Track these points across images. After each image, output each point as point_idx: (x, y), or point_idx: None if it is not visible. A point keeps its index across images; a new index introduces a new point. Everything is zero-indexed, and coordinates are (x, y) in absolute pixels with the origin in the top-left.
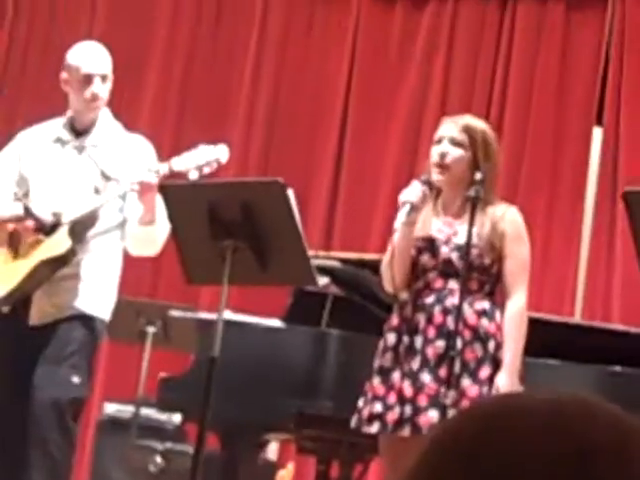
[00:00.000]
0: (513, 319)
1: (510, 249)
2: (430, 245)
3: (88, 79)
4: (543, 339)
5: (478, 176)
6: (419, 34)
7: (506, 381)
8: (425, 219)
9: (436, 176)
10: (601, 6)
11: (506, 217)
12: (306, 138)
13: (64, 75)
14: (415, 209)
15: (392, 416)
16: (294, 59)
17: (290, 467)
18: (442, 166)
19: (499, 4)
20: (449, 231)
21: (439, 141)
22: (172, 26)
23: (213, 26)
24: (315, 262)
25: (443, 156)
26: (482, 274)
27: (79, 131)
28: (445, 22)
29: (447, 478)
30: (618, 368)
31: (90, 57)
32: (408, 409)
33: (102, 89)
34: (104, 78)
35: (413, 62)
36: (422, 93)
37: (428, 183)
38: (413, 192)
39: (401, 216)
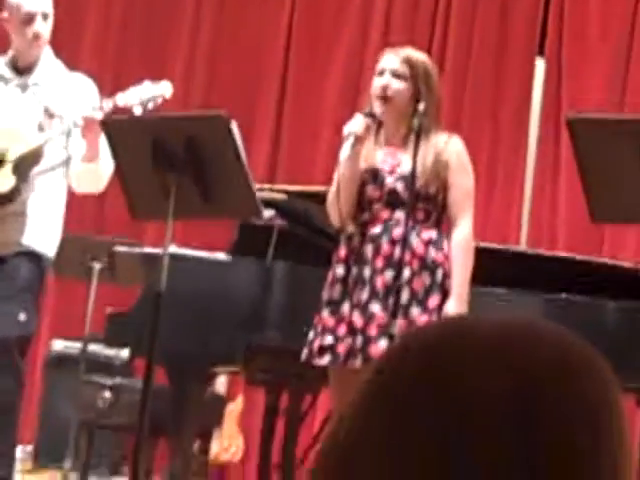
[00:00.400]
0: (460, 247)
1: (454, 178)
2: (374, 176)
3: (30, 17)
4: (489, 267)
5: (421, 106)
6: None
7: (455, 308)
8: (368, 151)
9: (378, 108)
10: None
11: (449, 147)
12: (249, 72)
13: (4, 14)
14: (359, 141)
15: (343, 347)
16: None
17: (239, 400)
18: (384, 98)
19: None
20: (393, 161)
21: (381, 73)
22: None
23: None
24: (260, 195)
25: (385, 88)
26: (428, 203)
27: (21, 69)
28: None
29: (393, 400)
30: (563, 295)
31: None
32: (359, 340)
33: (44, 27)
34: (45, 16)
35: None
36: (364, 25)
37: (371, 115)
38: (357, 124)
39: (345, 148)
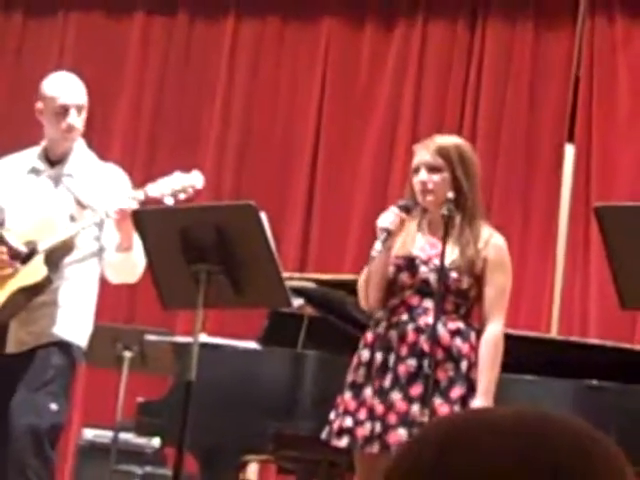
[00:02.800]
0: (489, 345)
1: (491, 275)
2: (410, 264)
3: (64, 110)
4: (520, 355)
5: (450, 195)
6: (389, 55)
7: (481, 406)
8: (408, 237)
9: (424, 203)
10: (570, 23)
11: (491, 242)
12: (279, 162)
13: (39, 105)
14: (391, 235)
15: (362, 432)
16: (265, 83)
17: None
18: (426, 192)
19: (468, 23)
20: (431, 252)
21: (416, 170)
22: (142, 55)
23: (184, 53)
24: (290, 284)
25: (424, 184)
26: (458, 297)
27: (54, 161)
28: (415, 42)
29: None
30: (595, 382)
31: (66, 88)
32: (378, 426)
33: (78, 120)
34: (80, 109)
35: (384, 83)
36: (393, 115)
37: (405, 209)
38: (390, 219)
39: (378, 244)
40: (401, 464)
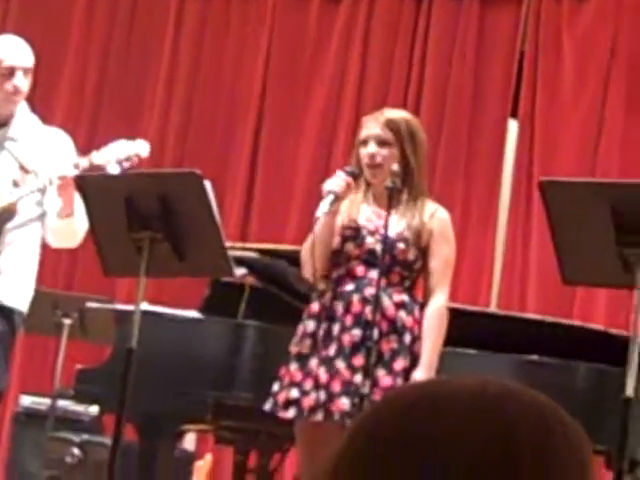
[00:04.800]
0: (433, 317)
1: (436, 247)
2: (355, 234)
3: (11, 72)
4: (460, 328)
5: (395, 167)
6: (334, 29)
7: (423, 377)
8: (354, 206)
9: (370, 177)
10: (516, 1)
11: (436, 215)
12: (222, 130)
13: None
14: (338, 199)
15: (308, 402)
16: (210, 52)
17: (208, 458)
18: (374, 166)
19: None
20: (378, 222)
21: (365, 142)
22: (87, 20)
23: (128, 19)
24: (232, 253)
25: (373, 157)
26: (404, 269)
27: None
28: (361, 15)
29: (370, 465)
30: (534, 357)
31: (14, 50)
32: (322, 395)
33: (24, 82)
34: (26, 72)
35: (329, 57)
36: (338, 88)
37: (352, 174)
38: (337, 182)
39: (324, 205)
40: (356, 439)
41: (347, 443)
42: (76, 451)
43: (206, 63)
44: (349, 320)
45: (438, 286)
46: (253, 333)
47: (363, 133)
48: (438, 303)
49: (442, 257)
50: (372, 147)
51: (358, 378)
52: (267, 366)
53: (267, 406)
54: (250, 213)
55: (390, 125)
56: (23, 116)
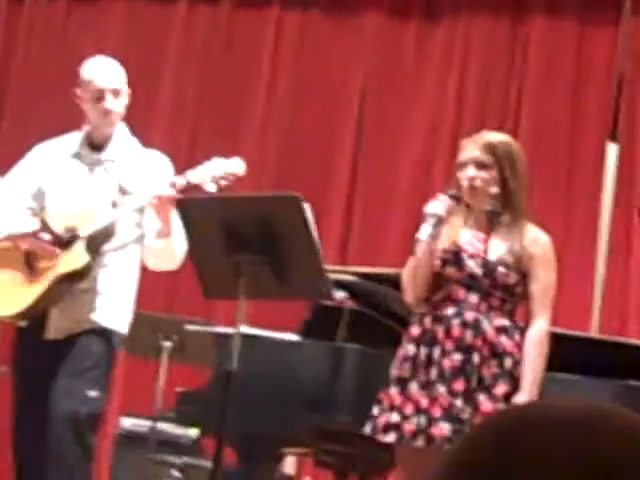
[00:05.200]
0: (534, 342)
1: (537, 272)
2: (456, 257)
3: (100, 94)
4: (559, 354)
5: (494, 190)
6: (433, 50)
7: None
8: (454, 230)
9: (469, 200)
10: (614, 20)
11: (536, 239)
12: (321, 152)
13: (78, 90)
14: (440, 222)
15: (409, 427)
16: (308, 75)
17: None
18: (472, 189)
19: (512, 20)
20: (479, 246)
21: (463, 165)
22: (185, 42)
23: (226, 41)
24: (331, 276)
25: (471, 180)
26: (505, 293)
27: (96, 146)
28: (459, 38)
29: None
30: (634, 382)
31: (102, 72)
32: (423, 420)
33: (115, 104)
34: (116, 93)
35: (427, 79)
36: (437, 110)
37: (455, 197)
38: (439, 205)
39: (425, 228)
40: (458, 461)
41: (445, 469)
42: (176, 474)
43: (305, 84)
44: (449, 344)
45: (539, 311)
46: (352, 356)
47: (462, 156)
48: (539, 328)
49: (543, 281)
50: (471, 170)
51: (459, 403)
52: (366, 389)
53: (367, 429)
54: (349, 236)
55: (488, 148)
56: (122, 138)
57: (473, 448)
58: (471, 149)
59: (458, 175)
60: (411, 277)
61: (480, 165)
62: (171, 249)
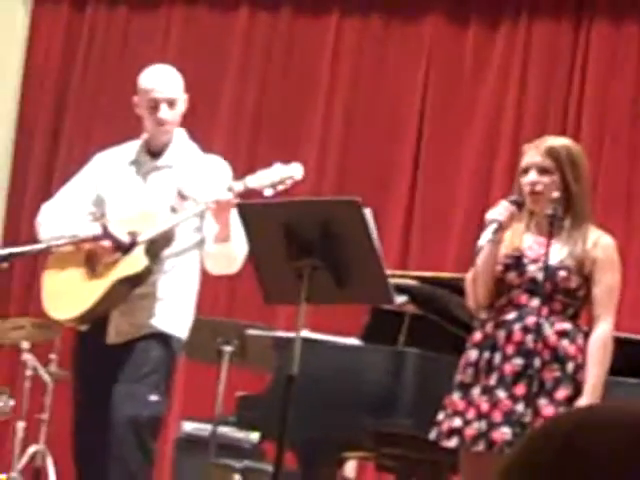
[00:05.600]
0: (597, 346)
1: (600, 275)
2: (518, 262)
3: (155, 104)
4: (623, 357)
5: (555, 195)
6: (493, 54)
7: None
8: (516, 235)
9: (532, 205)
10: None
11: (600, 242)
12: (381, 158)
13: (135, 99)
14: (501, 228)
15: (470, 431)
16: (368, 80)
17: None
18: (535, 194)
19: (573, 22)
20: (540, 251)
21: (526, 171)
22: (246, 49)
23: (287, 48)
24: (392, 281)
25: (533, 185)
26: (566, 297)
27: (154, 153)
28: (519, 41)
29: None
30: None
31: (159, 81)
32: (483, 424)
33: (169, 114)
34: (171, 103)
35: (487, 83)
36: (497, 114)
37: (516, 203)
38: (500, 211)
39: (487, 234)
40: (520, 457)
41: (506, 470)
42: (237, 478)
43: (364, 92)
44: (510, 349)
45: (602, 314)
46: (413, 360)
47: (524, 161)
48: (602, 331)
49: (606, 285)
50: (533, 175)
51: (520, 407)
52: (427, 394)
53: (432, 435)
54: (410, 240)
55: (550, 153)
56: (180, 143)
57: (534, 449)
58: (533, 154)
59: (520, 180)
60: (473, 283)
61: (542, 170)
62: (230, 253)
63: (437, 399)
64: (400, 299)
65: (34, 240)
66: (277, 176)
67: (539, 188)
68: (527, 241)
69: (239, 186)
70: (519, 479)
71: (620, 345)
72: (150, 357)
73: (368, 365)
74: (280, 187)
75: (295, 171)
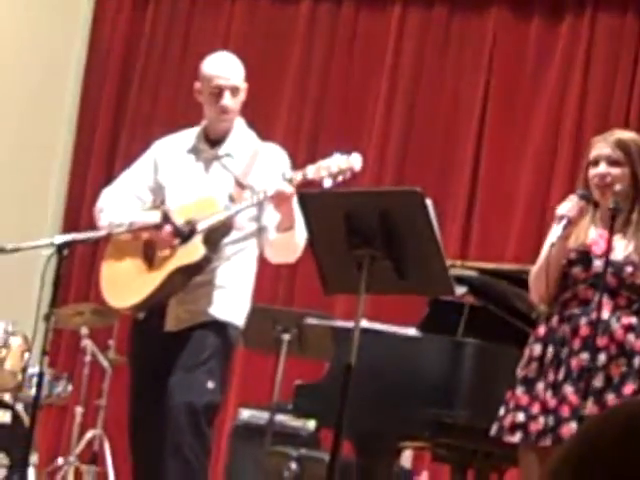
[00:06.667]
0: None
1: None
2: (583, 257)
3: (219, 90)
4: None
5: (618, 187)
6: (556, 47)
7: None
8: (582, 229)
9: (600, 197)
10: None
11: None
12: (443, 149)
13: (197, 85)
14: (571, 223)
15: (535, 426)
16: (430, 72)
17: (425, 475)
18: (604, 186)
19: (638, 14)
20: (606, 245)
21: (595, 162)
22: (308, 41)
23: (349, 40)
24: (452, 272)
25: (604, 177)
26: (632, 292)
27: (213, 141)
28: (583, 34)
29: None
30: None
31: (223, 68)
32: (551, 419)
33: (232, 102)
34: (234, 90)
35: (550, 75)
36: (559, 107)
37: (585, 198)
38: (570, 206)
39: (557, 230)
40: (585, 439)
41: (564, 458)
42: (294, 466)
43: (426, 82)
44: (577, 344)
45: None
46: (472, 351)
47: (593, 153)
48: None
49: None
50: (602, 167)
51: (588, 403)
52: (485, 384)
53: (493, 431)
54: (470, 231)
55: (620, 145)
56: (239, 132)
57: (596, 433)
58: (602, 146)
59: (588, 172)
60: (539, 277)
61: (612, 162)
62: (292, 242)
63: (494, 390)
64: (460, 290)
65: (94, 227)
66: (336, 167)
67: (609, 180)
68: (592, 235)
69: (298, 176)
70: (579, 463)
71: None
72: (207, 344)
73: (426, 355)
74: (339, 178)
75: (355, 162)
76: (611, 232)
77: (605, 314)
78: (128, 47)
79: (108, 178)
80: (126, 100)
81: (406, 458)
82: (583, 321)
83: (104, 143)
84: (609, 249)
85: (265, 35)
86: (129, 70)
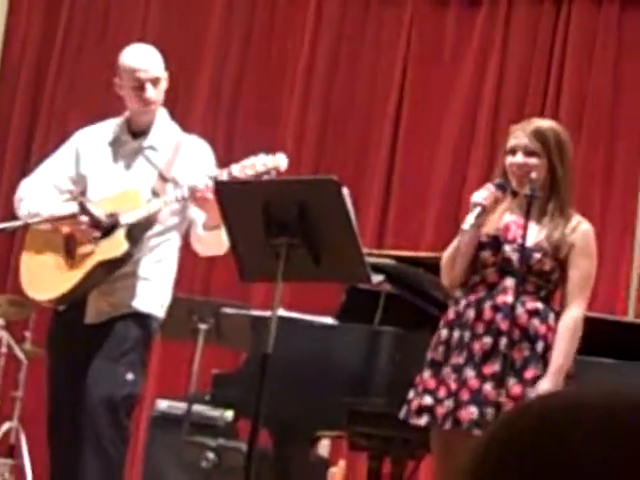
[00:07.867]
0: (566, 327)
1: (576, 260)
2: (493, 242)
3: (140, 83)
4: (596, 337)
5: (533, 175)
6: (473, 34)
7: (548, 387)
8: (495, 216)
9: (517, 186)
10: None
11: (578, 228)
12: (359, 137)
13: (117, 80)
14: (485, 212)
15: (441, 410)
16: (347, 59)
17: (342, 464)
18: (522, 176)
19: (554, 2)
20: (518, 231)
21: (512, 151)
22: (225, 28)
23: (266, 27)
24: (369, 260)
25: (520, 167)
26: (539, 279)
27: (136, 133)
28: (499, 22)
29: (505, 472)
30: None
31: (141, 61)
32: (451, 402)
33: (154, 93)
34: (155, 81)
35: (467, 62)
36: (476, 95)
37: (502, 188)
38: (486, 195)
39: (470, 217)
40: (499, 434)
41: (481, 449)
42: (211, 456)
43: (343, 70)
44: (480, 328)
45: (575, 299)
46: (388, 340)
47: (511, 142)
48: (574, 314)
49: (582, 270)
50: (519, 157)
51: (488, 387)
52: (402, 373)
53: (401, 414)
54: (386, 220)
55: (538, 136)
56: (162, 124)
57: (508, 430)
58: (520, 135)
59: (505, 160)
60: (450, 263)
61: (529, 153)
62: (220, 240)
63: (411, 378)
64: (376, 278)
65: (12, 217)
66: (262, 165)
67: (525, 170)
68: (506, 220)
69: (223, 175)
70: (495, 459)
71: (595, 325)
72: (128, 337)
73: (343, 344)
74: (265, 177)
75: (280, 161)
76: (527, 218)
77: (509, 298)
78: (44, 37)
79: (23, 172)
80: (41, 94)
81: (323, 447)
82: (487, 305)
83: (19, 137)
84: (525, 235)
85: (182, 22)
86: (45, 64)
